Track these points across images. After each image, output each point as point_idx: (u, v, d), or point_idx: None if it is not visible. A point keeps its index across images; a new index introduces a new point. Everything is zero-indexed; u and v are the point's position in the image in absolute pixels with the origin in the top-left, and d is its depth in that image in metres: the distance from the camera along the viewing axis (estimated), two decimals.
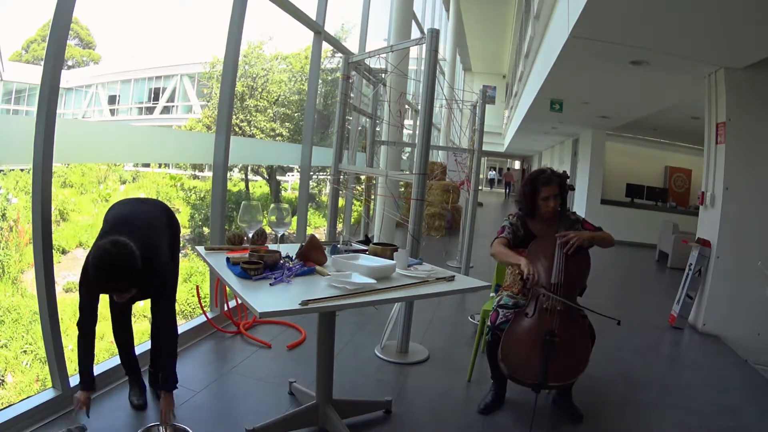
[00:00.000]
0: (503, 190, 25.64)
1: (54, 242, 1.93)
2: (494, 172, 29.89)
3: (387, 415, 2.15)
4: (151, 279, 1.73)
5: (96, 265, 1.59)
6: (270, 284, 1.60)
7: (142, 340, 2.38)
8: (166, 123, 12.99)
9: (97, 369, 2.15)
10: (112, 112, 12.63)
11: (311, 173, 4.33)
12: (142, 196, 2.55)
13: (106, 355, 1.86)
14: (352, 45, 5.94)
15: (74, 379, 2.02)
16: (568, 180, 2.29)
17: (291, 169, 13.09)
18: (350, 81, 3.44)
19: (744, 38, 3.17)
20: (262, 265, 1.67)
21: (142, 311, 4.61)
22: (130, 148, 2.69)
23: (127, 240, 1.64)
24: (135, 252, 1.63)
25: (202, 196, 10.65)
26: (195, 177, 11.73)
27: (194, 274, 7.61)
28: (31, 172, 1.84)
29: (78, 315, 1.75)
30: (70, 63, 11.73)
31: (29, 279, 6.29)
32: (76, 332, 1.75)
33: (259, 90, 11.70)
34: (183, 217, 10.52)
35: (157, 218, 1.95)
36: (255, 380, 2.39)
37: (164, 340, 1.86)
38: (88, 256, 1.69)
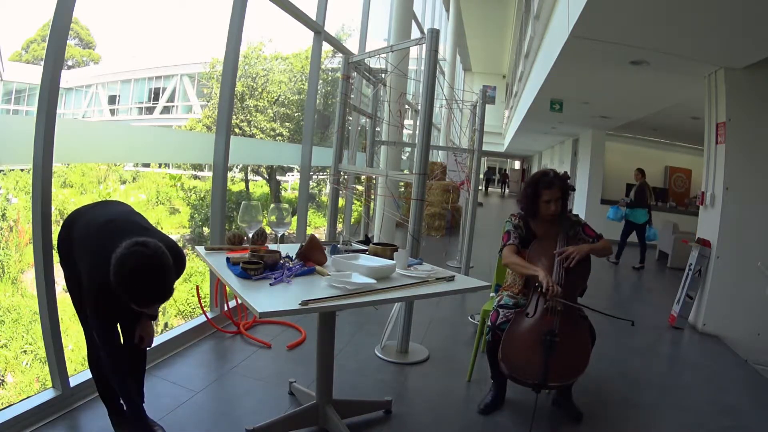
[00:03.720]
0: (500, 189, 25.71)
1: (54, 242, 1.92)
2: (489, 171, 26.36)
3: (387, 415, 2.15)
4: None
5: (139, 273, 1.37)
6: (270, 284, 1.60)
7: None
8: (166, 123, 12.99)
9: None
10: (112, 112, 12.62)
11: (311, 173, 4.33)
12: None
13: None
14: (352, 45, 5.94)
15: (74, 379, 2.02)
16: (568, 180, 2.29)
17: (291, 169, 13.08)
18: (350, 81, 3.44)
19: (744, 38, 3.17)
20: (262, 265, 1.67)
21: None
22: (130, 148, 2.69)
23: (147, 239, 1.46)
24: (163, 248, 1.46)
25: (202, 196, 10.65)
26: (195, 177, 11.73)
27: (194, 274, 7.61)
28: (31, 172, 1.83)
29: (102, 348, 1.59)
30: (70, 63, 11.72)
31: (29, 279, 6.28)
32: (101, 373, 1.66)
33: (259, 90, 11.70)
34: (183, 217, 10.52)
35: (136, 213, 1.80)
36: (255, 380, 2.39)
37: None
38: (97, 277, 1.49)
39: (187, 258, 1.79)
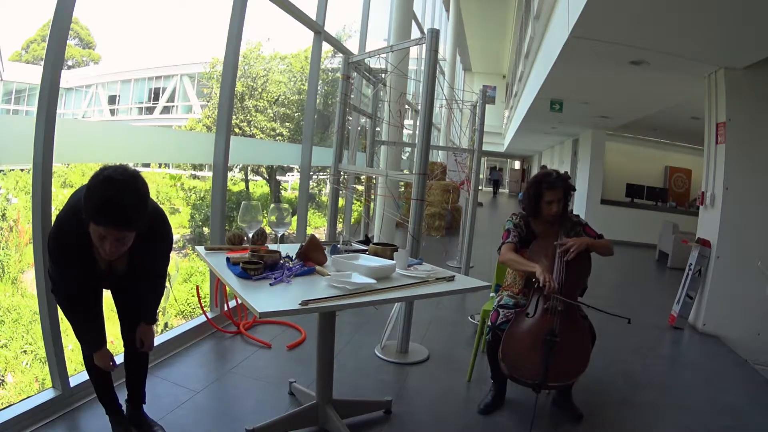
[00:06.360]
0: (492, 189, 25.40)
1: None
2: (493, 171, 25.37)
3: (387, 415, 2.15)
4: (154, 234, 1.58)
5: (113, 182, 1.29)
6: (270, 284, 1.60)
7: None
8: (166, 123, 12.98)
9: None
10: (112, 112, 12.61)
11: (311, 173, 4.33)
12: None
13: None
14: (352, 45, 5.94)
15: (74, 379, 2.02)
16: (569, 180, 2.29)
17: (291, 169, 13.09)
18: (350, 81, 3.44)
19: (744, 38, 3.17)
20: (262, 265, 1.67)
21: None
22: (130, 148, 2.68)
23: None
24: (147, 188, 1.39)
25: (202, 196, 10.65)
26: (194, 177, 11.72)
27: (194, 274, 7.62)
28: (31, 172, 1.83)
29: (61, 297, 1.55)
30: (70, 63, 11.72)
31: (29, 279, 6.28)
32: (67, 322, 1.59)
33: (259, 90, 11.70)
34: (183, 217, 10.53)
35: None
36: (255, 380, 2.39)
37: (159, 287, 1.78)
38: (66, 208, 1.48)
39: (173, 232, 1.72)
